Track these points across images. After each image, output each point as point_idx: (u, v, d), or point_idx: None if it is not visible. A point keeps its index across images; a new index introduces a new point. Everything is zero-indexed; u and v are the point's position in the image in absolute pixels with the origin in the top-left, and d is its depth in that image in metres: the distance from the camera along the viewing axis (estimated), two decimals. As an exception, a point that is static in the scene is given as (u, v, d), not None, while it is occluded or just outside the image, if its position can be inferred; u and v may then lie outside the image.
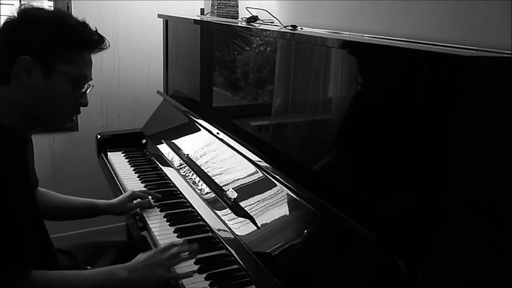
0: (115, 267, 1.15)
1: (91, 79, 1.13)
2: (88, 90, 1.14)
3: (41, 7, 1.12)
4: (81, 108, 1.16)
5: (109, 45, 1.13)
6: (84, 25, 1.08)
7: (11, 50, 1.03)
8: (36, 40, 1.03)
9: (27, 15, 1.06)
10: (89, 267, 1.41)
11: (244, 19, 1.84)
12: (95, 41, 1.09)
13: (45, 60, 1.04)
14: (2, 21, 1.08)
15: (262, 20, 1.76)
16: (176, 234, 1.39)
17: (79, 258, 1.41)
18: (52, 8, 1.11)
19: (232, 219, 1.35)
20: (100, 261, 1.45)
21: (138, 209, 1.56)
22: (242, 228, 1.29)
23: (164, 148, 1.98)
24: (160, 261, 1.15)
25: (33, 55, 1.02)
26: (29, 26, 1.04)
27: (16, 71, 1.02)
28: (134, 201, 1.57)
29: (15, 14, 1.06)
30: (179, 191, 1.67)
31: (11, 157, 1.02)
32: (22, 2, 2.32)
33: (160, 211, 1.55)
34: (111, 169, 1.96)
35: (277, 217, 1.25)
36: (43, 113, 1.09)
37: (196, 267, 1.21)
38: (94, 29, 1.10)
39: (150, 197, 1.61)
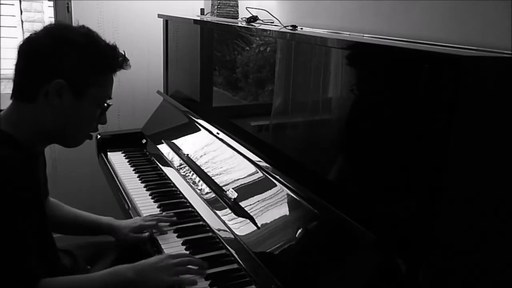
0: (121, 268, 1.13)
1: (111, 98, 1.17)
2: (108, 109, 1.16)
3: (69, 25, 1.12)
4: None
5: (130, 66, 1.16)
6: (114, 48, 1.11)
7: (45, 72, 1.03)
8: (72, 65, 1.04)
9: (60, 34, 1.05)
10: (89, 267, 1.41)
11: (244, 19, 1.84)
12: (123, 63, 1.13)
13: (79, 84, 1.06)
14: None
15: (262, 20, 1.76)
16: (176, 234, 1.39)
17: (79, 258, 1.41)
18: (81, 27, 1.10)
19: (232, 219, 1.35)
20: (100, 261, 1.45)
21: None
22: (242, 228, 1.29)
23: (164, 148, 1.98)
24: (167, 266, 1.13)
25: (67, 79, 1.03)
26: (64, 49, 1.04)
27: (47, 92, 1.03)
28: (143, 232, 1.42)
29: (44, 31, 1.06)
30: (179, 191, 1.67)
31: (21, 170, 1.01)
32: (22, 11, 2.31)
33: (160, 211, 1.55)
34: (111, 169, 1.96)
35: (277, 217, 1.25)
36: (65, 133, 1.11)
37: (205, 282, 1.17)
38: (122, 51, 1.13)
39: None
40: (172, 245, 1.34)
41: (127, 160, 2.04)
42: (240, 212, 1.34)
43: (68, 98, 1.05)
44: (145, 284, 1.10)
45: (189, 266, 1.17)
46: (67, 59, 1.04)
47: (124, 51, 1.14)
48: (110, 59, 1.10)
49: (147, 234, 1.40)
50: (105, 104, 1.14)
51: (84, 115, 1.11)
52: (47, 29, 1.07)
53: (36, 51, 1.05)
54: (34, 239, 1.03)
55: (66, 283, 1.07)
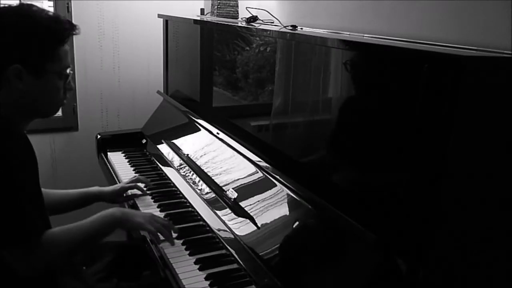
0: (108, 210, 1.28)
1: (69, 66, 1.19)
2: (70, 77, 1.19)
3: (5, 8, 1.12)
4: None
5: (79, 31, 1.17)
6: (57, 19, 1.12)
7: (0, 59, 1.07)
8: (21, 48, 1.07)
9: (2, 21, 1.07)
10: (84, 268, 1.41)
11: (244, 19, 1.84)
12: (70, 32, 1.14)
13: (34, 65, 1.09)
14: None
15: (262, 20, 1.76)
16: (176, 234, 1.39)
17: (76, 259, 1.40)
18: (18, 5, 1.13)
19: (232, 219, 1.35)
20: (98, 262, 1.45)
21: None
22: (242, 228, 1.29)
23: (164, 148, 1.98)
24: (149, 218, 1.32)
25: (22, 63, 1.06)
26: (8, 35, 1.06)
27: (8, 78, 1.07)
28: (127, 193, 1.65)
29: None
30: (179, 191, 1.67)
31: (18, 140, 1.07)
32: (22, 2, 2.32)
33: (160, 211, 1.55)
34: (111, 169, 1.96)
35: (277, 217, 1.25)
36: (38, 107, 1.15)
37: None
38: (65, 17, 1.15)
39: (142, 186, 1.68)
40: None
41: (127, 160, 2.04)
42: (240, 212, 1.34)
43: (29, 79, 1.08)
44: (127, 222, 1.29)
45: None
46: (15, 44, 1.06)
47: (65, 17, 1.16)
48: (55, 31, 1.11)
49: (136, 193, 1.65)
50: (67, 72, 1.16)
51: (50, 89, 1.13)
52: None
53: None
54: (37, 198, 1.11)
55: (66, 229, 1.17)
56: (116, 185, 1.68)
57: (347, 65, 1.14)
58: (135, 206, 1.59)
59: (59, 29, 1.11)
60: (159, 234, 1.31)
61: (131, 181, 1.66)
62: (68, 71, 1.16)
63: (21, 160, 1.06)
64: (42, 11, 1.12)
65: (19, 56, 1.06)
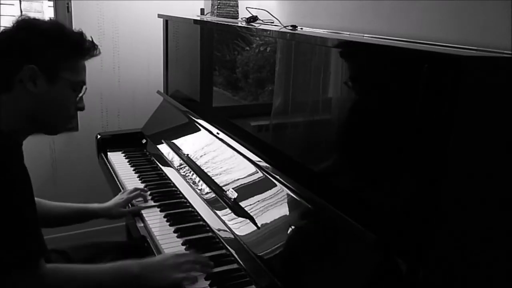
0: (126, 263, 1.16)
1: (85, 83, 1.19)
2: (84, 94, 1.18)
3: (37, 18, 1.15)
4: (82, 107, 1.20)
5: (100, 52, 1.19)
6: (81, 34, 1.15)
7: (16, 59, 1.06)
8: (40, 50, 1.07)
9: (28, 25, 1.09)
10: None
11: (244, 19, 1.84)
12: (92, 49, 1.16)
13: (50, 68, 1.08)
14: (2, 24, 1.09)
15: (262, 20, 1.76)
16: (176, 234, 1.39)
17: (75, 259, 1.39)
18: (48, 18, 1.14)
19: (232, 219, 1.35)
20: (97, 262, 1.45)
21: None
22: (242, 228, 1.29)
23: (164, 148, 1.98)
24: (174, 263, 1.17)
25: (38, 64, 1.06)
26: (32, 35, 1.07)
27: (21, 79, 1.05)
28: (132, 201, 1.60)
29: (14, 24, 1.09)
30: (179, 191, 1.67)
31: (14, 157, 1.03)
32: (22, 11, 2.31)
33: (160, 211, 1.55)
34: (111, 169, 1.96)
35: (277, 217, 1.25)
36: (46, 118, 1.13)
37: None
38: (89, 37, 1.17)
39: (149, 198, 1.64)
40: (172, 245, 1.34)
41: (127, 160, 2.04)
42: (240, 212, 1.34)
43: (43, 83, 1.07)
44: (150, 279, 1.13)
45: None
46: (35, 45, 1.07)
47: (91, 37, 1.17)
48: (77, 43, 1.13)
49: (140, 207, 1.57)
50: (81, 89, 1.16)
51: (61, 100, 1.12)
52: (16, 22, 1.10)
53: (4, 42, 1.08)
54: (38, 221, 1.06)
55: (73, 270, 1.10)
56: (119, 196, 1.63)
57: (348, 84, 1.13)
58: (142, 219, 1.54)
59: (80, 41, 1.13)
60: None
61: (131, 191, 1.63)
62: (82, 86, 1.16)
63: (17, 178, 1.02)
64: (69, 27, 1.16)
65: (36, 56, 1.06)
